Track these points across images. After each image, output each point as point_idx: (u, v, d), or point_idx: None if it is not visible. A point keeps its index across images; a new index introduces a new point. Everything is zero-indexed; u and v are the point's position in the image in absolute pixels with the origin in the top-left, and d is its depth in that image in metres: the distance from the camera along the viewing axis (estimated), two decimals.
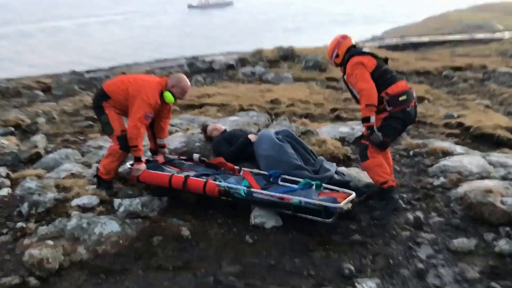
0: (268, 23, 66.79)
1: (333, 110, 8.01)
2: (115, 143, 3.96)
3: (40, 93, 11.43)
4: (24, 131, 7.33)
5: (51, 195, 3.80)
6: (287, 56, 16.20)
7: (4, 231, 3.62)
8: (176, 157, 4.54)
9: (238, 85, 11.51)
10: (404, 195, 4.25)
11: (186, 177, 3.91)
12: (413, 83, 12.79)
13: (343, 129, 5.94)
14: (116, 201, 3.82)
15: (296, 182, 3.93)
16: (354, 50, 3.86)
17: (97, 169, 4.08)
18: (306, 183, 3.84)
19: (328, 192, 3.76)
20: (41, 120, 7.59)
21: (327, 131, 5.86)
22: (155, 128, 4.31)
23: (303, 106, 8.19)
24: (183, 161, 4.45)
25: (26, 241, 3.42)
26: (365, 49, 3.89)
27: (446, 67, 15.66)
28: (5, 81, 12.27)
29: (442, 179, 4.49)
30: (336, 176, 4.17)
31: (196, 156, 4.41)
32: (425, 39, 35.31)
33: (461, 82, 13.69)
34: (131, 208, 3.74)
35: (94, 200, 3.81)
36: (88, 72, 16.10)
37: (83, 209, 3.74)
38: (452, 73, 14.52)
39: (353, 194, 3.65)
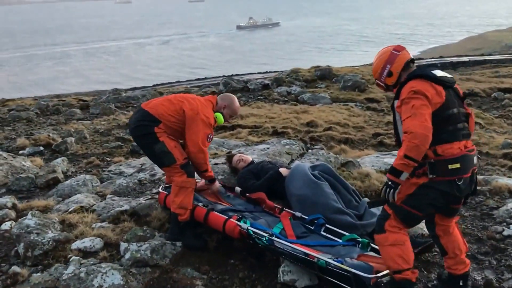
0: (306, 44, 66.69)
1: (376, 135, 7.10)
2: (180, 174, 3.30)
3: (78, 111, 11.29)
4: (53, 151, 7.02)
5: (50, 235, 3.21)
6: (324, 75, 15.44)
7: None
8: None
9: (272, 105, 10.87)
10: (469, 247, 3.38)
11: (209, 210, 3.30)
12: None
13: (389, 160, 5.03)
14: (123, 245, 3.16)
15: (342, 235, 3.13)
16: (418, 70, 2.63)
17: (173, 215, 3.34)
18: (351, 238, 3.02)
19: (373, 256, 2.91)
20: (71, 139, 7.23)
21: (371, 162, 4.98)
22: None
23: (341, 130, 7.37)
24: (225, 191, 3.87)
25: None
26: (437, 72, 2.56)
27: (494, 89, 14.39)
28: (47, 99, 12.31)
29: None
30: None
31: (238, 189, 3.79)
32: (465, 58, 33.72)
33: None
34: (139, 255, 3.07)
35: (97, 243, 3.17)
36: (125, 90, 16.05)
37: (84, 253, 3.12)
38: (502, 95, 13.22)
39: None
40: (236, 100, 3.63)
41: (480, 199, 4.30)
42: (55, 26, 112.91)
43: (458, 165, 2.43)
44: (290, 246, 2.88)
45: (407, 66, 2.66)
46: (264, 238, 2.96)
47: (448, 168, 2.42)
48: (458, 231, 2.78)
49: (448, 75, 2.61)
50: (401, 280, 2.54)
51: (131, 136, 3.63)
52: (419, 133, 2.35)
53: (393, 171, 2.45)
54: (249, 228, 3.05)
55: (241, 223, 3.10)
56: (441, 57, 36.71)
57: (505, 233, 3.55)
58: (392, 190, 2.47)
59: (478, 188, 4.35)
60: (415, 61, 2.77)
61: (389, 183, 2.48)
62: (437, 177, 2.44)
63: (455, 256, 2.72)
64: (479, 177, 4.83)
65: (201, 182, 3.90)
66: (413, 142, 2.35)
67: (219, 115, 3.44)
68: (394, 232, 2.53)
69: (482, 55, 36.97)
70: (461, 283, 2.74)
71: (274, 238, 2.94)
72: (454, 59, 34.15)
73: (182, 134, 3.36)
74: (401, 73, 2.64)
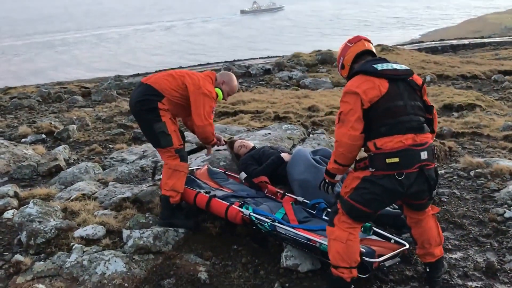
0: (307, 28, 65.80)
1: None
2: (174, 157, 3.24)
3: (80, 98, 11.18)
4: (55, 139, 6.95)
5: (52, 223, 3.17)
6: (325, 60, 15.25)
7: (0, 264, 3.02)
8: (222, 171, 3.91)
9: (274, 90, 10.74)
10: (471, 229, 3.35)
11: (211, 197, 3.25)
12: (461, 89, 11.50)
13: None
14: (125, 232, 3.12)
15: None
16: (360, 65, 2.49)
17: (164, 198, 3.27)
18: None
19: (375, 240, 2.86)
20: (73, 127, 7.16)
21: None
22: None
23: None
24: (227, 177, 3.82)
25: (20, 279, 2.81)
26: (382, 65, 2.42)
27: (494, 71, 14.19)
28: (48, 86, 12.18)
29: None
30: None
31: (243, 174, 3.70)
32: (465, 41, 33.25)
33: None
34: (141, 242, 3.03)
35: (100, 230, 3.13)
36: (127, 77, 15.88)
37: (87, 241, 3.08)
38: (502, 78, 13.02)
39: (406, 247, 2.75)
40: (235, 77, 3.57)
41: (482, 181, 4.23)
42: (55, 13, 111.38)
43: (396, 159, 2.27)
44: (292, 231, 2.84)
45: (359, 58, 2.57)
46: (266, 224, 2.92)
47: (385, 162, 2.29)
48: (433, 224, 2.64)
49: (401, 68, 2.45)
50: (336, 276, 2.48)
51: (131, 111, 3.43)
52: (343, 142, 2.39)
53: (327, 172, 2.62)
54: (251, 214, 3.00)
55: (243, 209, 3.05)
56: (441, 40, 36.20)
57: (506, 215, 3.49)
58: (328, 186, 2.69)
59: (479, 170, 4.37)
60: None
61: (326, 180, 2.67)
62: (377, 171, 2.32)
63: (423, 248, 2.66)
64: (480, 159, 4.75)
65: (202, 169, 3.84)
66: (339, 150, 2.44)
67: (219, 90, 3.38)
68: (340, 228, 2.46)
69: (482, 37, 36.45)
70: (427, 269, 2.71)
71: (276, 223, 2.90)
72: (454, 42, 33.70)
73: (186, 109, 3.29)
74: (352, 66, 2.59)
